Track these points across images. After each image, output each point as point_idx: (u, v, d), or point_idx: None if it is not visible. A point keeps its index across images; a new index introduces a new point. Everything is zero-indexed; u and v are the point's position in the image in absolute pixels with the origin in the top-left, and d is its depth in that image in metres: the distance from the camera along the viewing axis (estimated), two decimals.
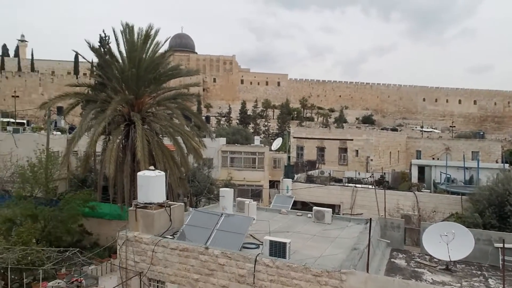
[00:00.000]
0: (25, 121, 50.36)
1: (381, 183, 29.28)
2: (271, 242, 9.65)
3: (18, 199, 18.32)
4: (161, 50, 21.50)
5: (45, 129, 28.60)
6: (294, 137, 45.26)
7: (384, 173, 32.27)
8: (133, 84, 20.08)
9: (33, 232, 15.65)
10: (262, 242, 10.16)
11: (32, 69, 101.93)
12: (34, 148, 20.95)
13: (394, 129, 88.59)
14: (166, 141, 21.76)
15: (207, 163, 29.57)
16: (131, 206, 11.97)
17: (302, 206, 23.27)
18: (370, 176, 31.40)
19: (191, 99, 25.55)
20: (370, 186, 26.92)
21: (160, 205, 11.74)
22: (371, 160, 39.59)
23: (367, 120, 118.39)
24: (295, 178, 28.38)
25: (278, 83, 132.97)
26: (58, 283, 13.24)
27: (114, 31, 20.60)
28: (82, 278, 13.67)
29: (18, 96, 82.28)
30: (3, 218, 17.01)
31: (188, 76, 26.04)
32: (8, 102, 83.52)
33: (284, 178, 26.89)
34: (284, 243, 9.52)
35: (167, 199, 12.11)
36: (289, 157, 35.31)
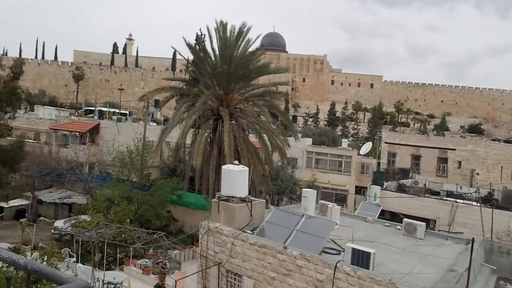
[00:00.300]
0: (127, 112, 56.23)
1: (488, 200, 26.14)
2: (354, 250, 9.25)
3: (117, 181, 20.52)
4: (252, 48, 22.04)
5: (143, 119, 31.57)
6: (385, 143, 42.89)
7: (493, 189, 28.76)
8: (224, 80, 20.93)
9: (128, 212, 17.38)
10: (344, 249, 9.81)
11: (136, 65, 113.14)
12: (133, 136, 23.23)
13: (508, 141, 78.30)
14: (252, 138, 22.27)
15: (291, 163, 29.60)
16: (214, 198, 12.51)
17: (390, 216, 21.94)
18: (475, 192, 28.24)
19: (279, 97, 25.80)
20: (474, 203, 24.21)
21: (242, 200, 12.06)
22: (477, 174, 35.58)
23: (474, 129, 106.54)
24: (384, 186, 26.89)
25: (371, 85, 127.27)
26: (146, 262, 14.51)
27: (208, 29, 21.71)
28: (166, 261, 14.77)
29: (123, 89, 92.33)
30: (104, 197, 19.25)
31: (277, 73, 26.30)
32: (115, 94, 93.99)
33: (372, 184, 25.65)
34: (368, 253, 9.05)
35: (249, 194, 12.39)
36: (378, 163, 33.61)
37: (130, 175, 21.90)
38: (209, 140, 21.17)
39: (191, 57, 25.86)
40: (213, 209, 12.13)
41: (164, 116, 40.47)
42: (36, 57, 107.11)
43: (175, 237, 17.55)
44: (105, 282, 14.05)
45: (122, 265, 15.92)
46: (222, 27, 21.39)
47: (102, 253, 15.63)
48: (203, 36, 43.13)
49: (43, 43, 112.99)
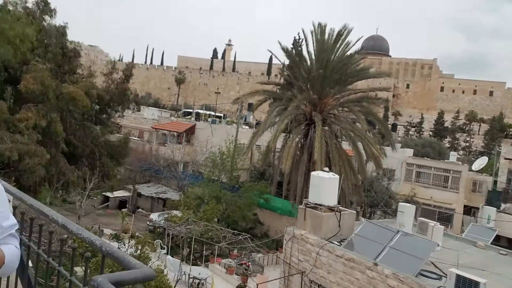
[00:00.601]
0: (222, 115, 59.23)
1: None
2: (459, 277, 8.31)
3: (207, 181, 21.69)
4: (351, 51, 21.48)
5: (236, 122, 32.90)
6: (505, 159, 37.89)
7: None
8: (318, 84, 20.73)
9: (216, 212, 18.24)
10: (446, 274, 8.88)
11: (234, 70, 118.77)
12: (225, 138, 24.37)
13: None
14: (345, 145, 21.65)
15: (388, 174, 28.02)
16: (301, 204, 12.41)
17: (508, 244, 19.31)
18: None
19: (377, 103, 24.68)
20: None
21: (330, 209, 11.74)
22: None
23: None
24: (501, 208, 23.82)
25: (490, 93, 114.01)
26: (230, 261, 15.02)
27: (303, 32, 21.80)
28: (250, 263, 15.08)
29: (219, 93, 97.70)
30: (195, 195, 20.51)
31: (377, 78, 25.34)
32: (212, 97, 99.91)
33: (485, 205, 22.90)
34: (477, 283, 8.05)
35: (338, 204, 12.02)
36: (495, 182, 29.90)
37: (220, 176, 22.97)
38: (299, 145, 21.15)
39: (286, 62, 26.24)
40: (299, 215, 12.03)
41: (256, 119, 41.66)
42: (145, 62, 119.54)
43: (260, 241, 17.84)
44: (191, 276, 14.90)
45: (207, 262, 16.74)
46: (319, 30, 21.27)
47: (190, 249, 16.62)
48: (300, 40, 43.50)
49: (152, 49, 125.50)
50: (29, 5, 21.16)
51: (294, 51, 26.82)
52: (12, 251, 1.68)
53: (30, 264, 2.29)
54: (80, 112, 19.71)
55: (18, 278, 2.17)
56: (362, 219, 14.41)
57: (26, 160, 14.74)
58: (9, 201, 2.24)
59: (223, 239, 16.44)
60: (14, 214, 2.03)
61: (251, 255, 16.20)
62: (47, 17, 21.58)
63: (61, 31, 21.30)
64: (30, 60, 17.78)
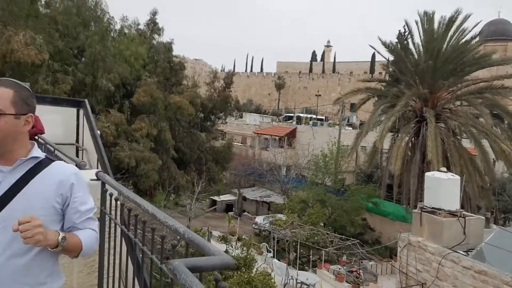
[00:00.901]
0: (323, 117, 58.40)
1: None
2: None
3: (311, 184, 21.36)
4: (467, 38, 19.32)
5: (338, 124, 31.99)
6: None
7: None
8: (428, 77, 19.07)
9: (321, 216, 17.79)
10: None
11: (333, 71, 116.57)
12: (327, 140, 23.76)
13: None
14: (465, 143, 19.43)
15: None
16: (415, 209, 11.30)
17: None
18: None
19: (505, 94, 21.59)
20: None
21: (452, 214, 10.39)
22: None
23: None
24: None
25: None
26: (339, 268, 14.41)
27: (407, 24, 20.39)
28: (361, 271, 14.25)
29: (320, 95, 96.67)
30: (299, 199, 20.35)
31: (501, 65, 22.19)
32: (312, 100, 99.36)
33: None
34: None
35: (461, 208, 10.61)
36: None
37: (324, 179, 22.48)
38: (410, 144, 19.64)
39: (391, 58, 24.82)
40: (414, 221, 10.89)
41: (360, 120, 40.01)
42: (245, 70, 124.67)
43: (371, 247, 16.83)
44: (298, 281, 14.66)
45: (315, 268, 16.40)
46: (426, 18, 19.68)
47: (296, 253, 16.45)
48: (406, 34, 40.87)
49: (252, 57, 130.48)
50: (141, 26, 23.64)
51: (399, 45, 25.13)
52: (89, 235, 1.65)
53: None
54: (187, 120, 21.17)
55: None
56: (493, 226, 12.54)
57: (142, 166, 16.23)
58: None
59: (330, 244, 15.89)
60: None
61: (362, 262, 15.35)
62: (156, 36, 23.83)
63: (168, 47, 23.27)
64: (142, 75, 19.71)
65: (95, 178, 2.89)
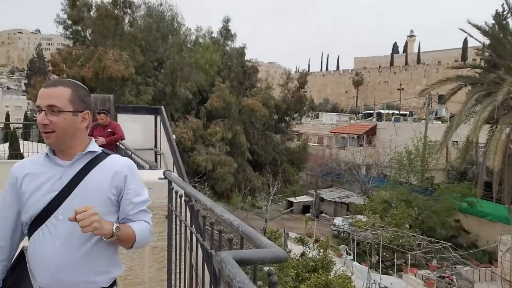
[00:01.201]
0: (407, 112, 55.20)
1: None
2: None
3: (394, 183, 20.28)
4: None
5: (425, 117, 29.99)
6: None
7: None
8: None
9: (406, 217, 16.79)
10: None
11: (418, 62, 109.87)
12: (412, 136, 22.39)
13: None
14: None
15: None
16: None
17: None
18: None
19: None
20: None
21: None
22: None
23: None
24: None
25: None
26: (428, 273, 13.47)
27: (506, 2, 18.36)
28: (454, 277, 13.18)
29: (403, 89, 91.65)
30: (381, 199, 19.45)
31: None
32: (394, 95, 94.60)
33: None
34: None
35: None
36: None
37: (408, 177, 21.20)
38: (511, 136, 17.69)
39: (486, 42, 22.64)
40: None
41: (450, 113, 37.05)
42: (321, 69, 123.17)
43: (466, 251, 15.45)
44: (381, 286, 14.00)
45: (400, 272, 15.52)
46: None
47: (379, 256, 15.72)
48: (504, 13, 37.15)
49: (327, 55, 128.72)
50: (214, 34, 24.68)
51: (496, 26, 22.80)
52: (143, 227, 1.71)
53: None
54: (261, 122, 21.54)
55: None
56: None
57: (218, 169, 16.87)
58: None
59: (417, 247, 14.90)
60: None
61: (455, 267, 14.14)
62: (229, 42, 24.70)
63: (240, 52, 23.93)
64: (216, 81, 20.54)
65: (163, 177, 3.09)
